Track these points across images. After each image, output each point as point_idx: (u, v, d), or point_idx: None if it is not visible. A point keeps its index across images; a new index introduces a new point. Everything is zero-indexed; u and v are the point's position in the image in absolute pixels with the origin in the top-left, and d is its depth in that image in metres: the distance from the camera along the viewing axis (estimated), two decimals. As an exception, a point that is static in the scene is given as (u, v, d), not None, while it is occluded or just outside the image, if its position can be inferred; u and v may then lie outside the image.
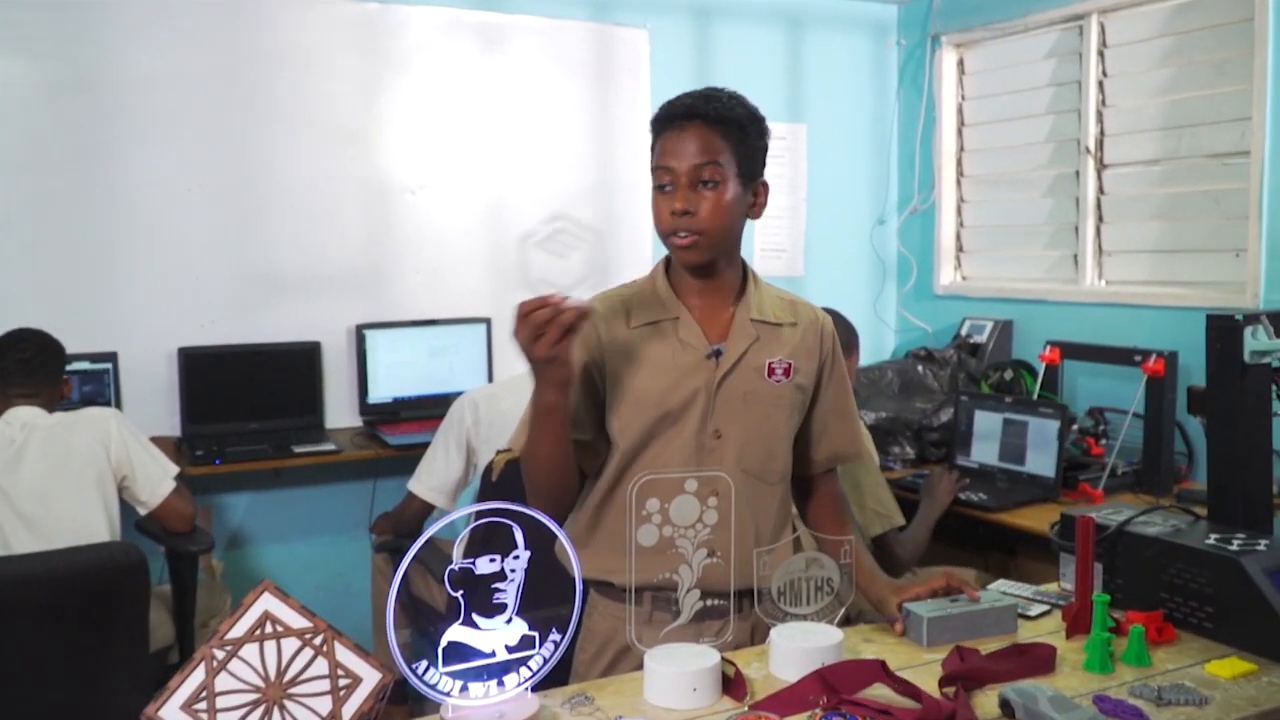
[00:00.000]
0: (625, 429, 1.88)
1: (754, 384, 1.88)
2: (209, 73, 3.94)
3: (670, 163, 1.82)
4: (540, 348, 1.67)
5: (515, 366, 4.06)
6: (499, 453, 2.96)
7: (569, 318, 1.66)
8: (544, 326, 1.65)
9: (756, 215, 1.93)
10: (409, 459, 3.62)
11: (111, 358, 3.79)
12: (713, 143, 1.82)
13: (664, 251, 1.92)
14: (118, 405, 3.77)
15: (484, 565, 1.52)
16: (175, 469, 3.12)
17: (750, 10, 4.86)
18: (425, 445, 3.49)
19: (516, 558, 1.53)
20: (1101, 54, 4.29)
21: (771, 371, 1.90)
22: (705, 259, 1.86)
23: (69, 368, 3.28)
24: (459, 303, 4.35)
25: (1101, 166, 4.31)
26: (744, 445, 1.88)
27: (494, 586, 1.52)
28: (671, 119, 1.84)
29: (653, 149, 1.88)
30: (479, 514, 1.57)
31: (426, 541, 1.44)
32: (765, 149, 1.90)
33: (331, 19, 4.12)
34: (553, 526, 1.54)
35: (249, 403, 3.98)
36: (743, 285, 1.95)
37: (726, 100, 1.85)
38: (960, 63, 4.96)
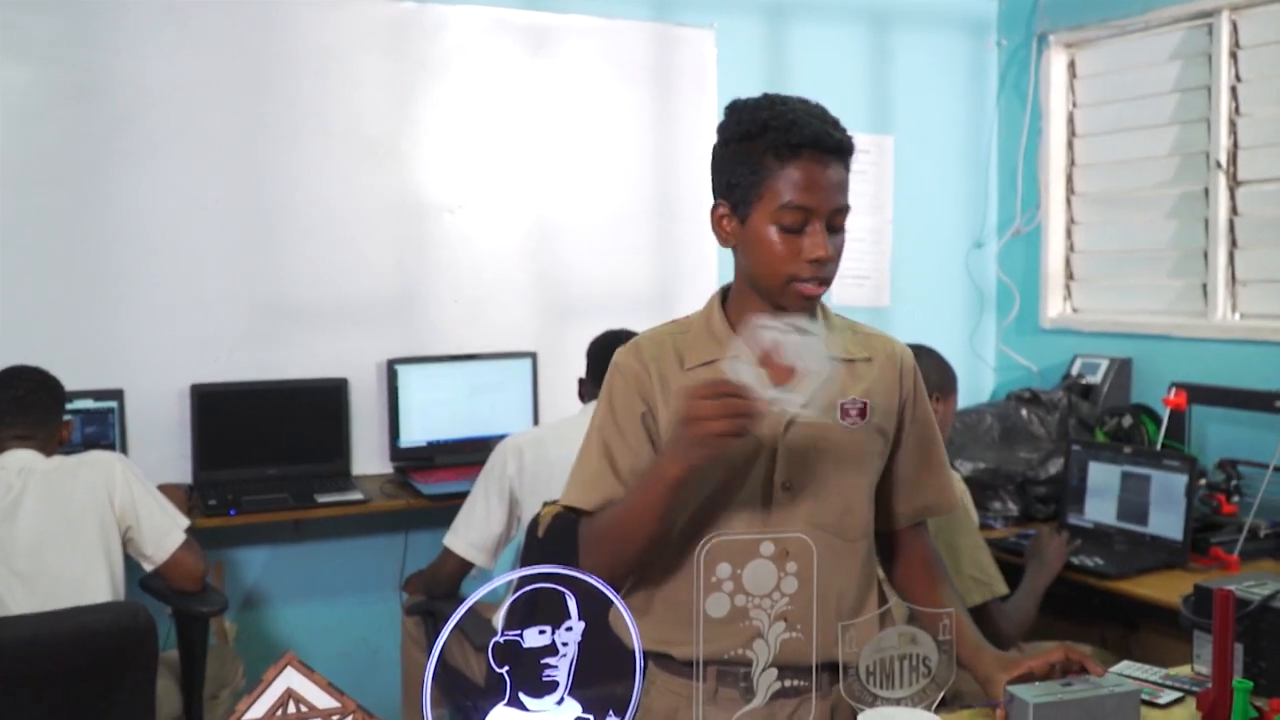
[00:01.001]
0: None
1: (825, 428, 1.87)
2: (225, 80, 4.00)
3: (809, 201, 1.79)
4: (715, 426, 1.67)
5: (563, 407, 4.09)
6: (546, 505, 2.95)
7: (754, 417, 1.68)
8: (734, 413, 1.67)
9: None
10: (445, 510, 3.62)
11: (117, 396, 3.84)
12: (846, 181, 1.83)
13: (725, 276, 1.91)
14: (123, 449, 3.82)
15: (532, 638, 1.50)
16: (185, 520, 3.14)
17: (829, 7, 4.86)
18: (463, 495, 3.49)
19: (569, 629, 1.51)
20: (1234, 55, 4.25)
21: (845, 413, 1.89)
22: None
23: (69, 407, 3.32)
24: (502, 335, 4.37)
25: (1234, 184, 4.26)
26: (817, 498, 1.87)
27: (543, 662, 1.51)
28: (813, 146, 1.79)
29: (759, 172, 1.82)
30: (525, 579, 1.56)
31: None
32: None
33: (361, 20, 4.17)
34: (610, 594, 1.52)
35: (268, 446, 4.01)
36: (810, 317, 1.95)
37: (842, 129, 1.84)
38: (1071, 65, 4.92)
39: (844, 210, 1.83)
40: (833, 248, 1.81)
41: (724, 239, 1.90)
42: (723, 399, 1.68)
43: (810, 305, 1.87)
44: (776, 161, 1.81)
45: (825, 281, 1.83)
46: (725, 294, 1.97)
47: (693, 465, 1.73)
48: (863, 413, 1.90)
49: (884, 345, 1.98)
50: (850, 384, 1.91)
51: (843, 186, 1.82)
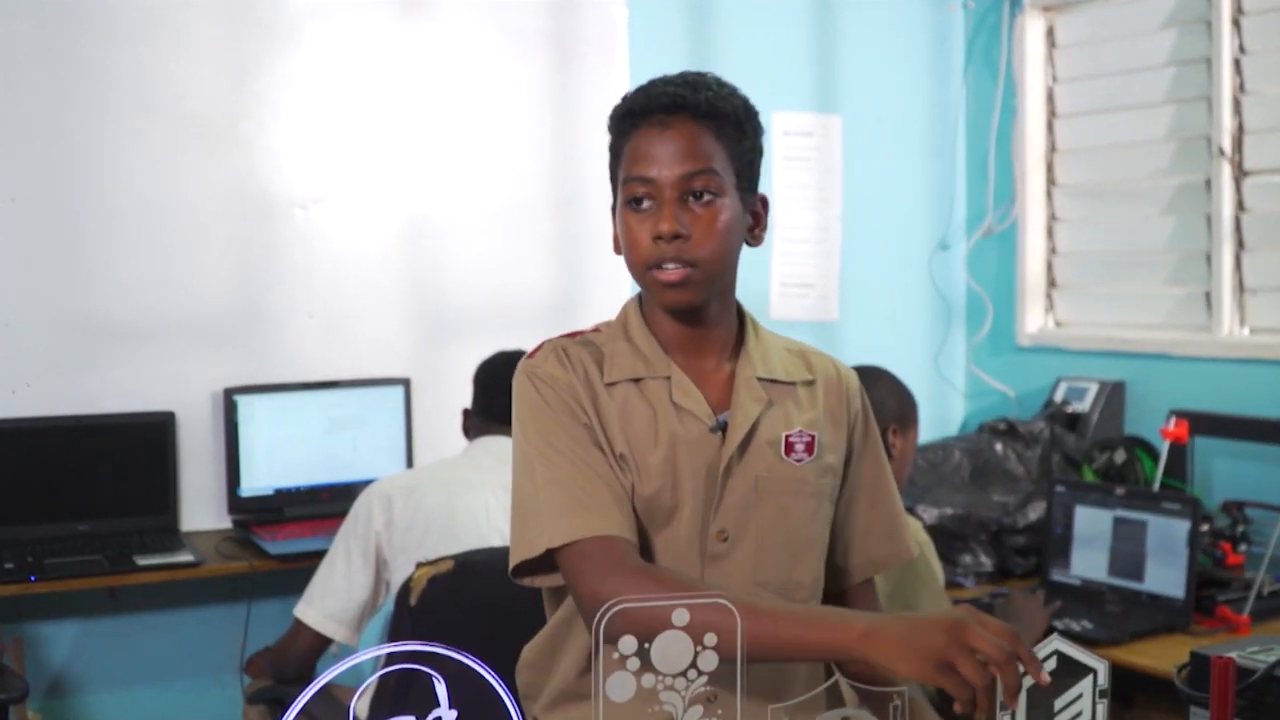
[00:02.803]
0: None
1: (769, 465, 1.90)
2: (20, 49, 3.95)
3: (649, 170, 1.84)
4: (973, 680, 1.56)
5: (443, 446, 4.07)
6: (420, 566, 2.94)
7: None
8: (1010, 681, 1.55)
9: (757, 242, 1.98)
10: (296, 574, 3.59)
11: (-114, 435, 3.78)
12: (705, 144, 1.85)
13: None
14: (-106, 501, 3.75)
15: (398, 730, 1.50)
16: (-27, 594, 3.10)
17: (764, -37, 4.92)
18: (318, 555, 3.46)
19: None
20: (1237, 23, 4.34)
21: (790, 448, 1.91)
22: (700, 299, 1.89)
23: None
24: (367, 358, 4.36)
25: (1240, 173, 4.36)
26: (760, 549, 1.89)
27: (411, 760, 1.51)
28: (647, 112, 1.85)
29: (616, 153, 1.91)
30: (391, 656, 1.56)
31: (320, 690, 1.43)
32: (762, 154, 1.95)
33: (193, -26, 4.15)
34: (492, 679, 1.52)
35: (77, 497, 3.95)
36: (740, 334, 1.98)
37: (719, 89, 1.88)
38: (1049, 32, 5.01)
39: (697, 175, 1.83)
40: (690, 223, 1.83)
41: (615, 247, 1.95)
42: (1013, 663, 1.55)
43: (679, 298, 1.86)
44: (620, 138, 1.89)
45: (685, 263, 1.84)
46: (642, 304, 2.00)
47: (891, 668, 1.64)
48: (810, 447, 1.92)
49: (825, 366, 2.02)
50: (792, 411, 1.93)
51: (698, 151, 1.83)
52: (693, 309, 1.90)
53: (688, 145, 1.83)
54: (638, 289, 2.00)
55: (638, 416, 1.89)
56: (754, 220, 1.95)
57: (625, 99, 1.89)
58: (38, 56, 3.96)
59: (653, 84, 1.88)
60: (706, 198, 1.84)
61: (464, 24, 4.48)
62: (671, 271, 1.84)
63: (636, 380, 1.91)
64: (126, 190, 4.08)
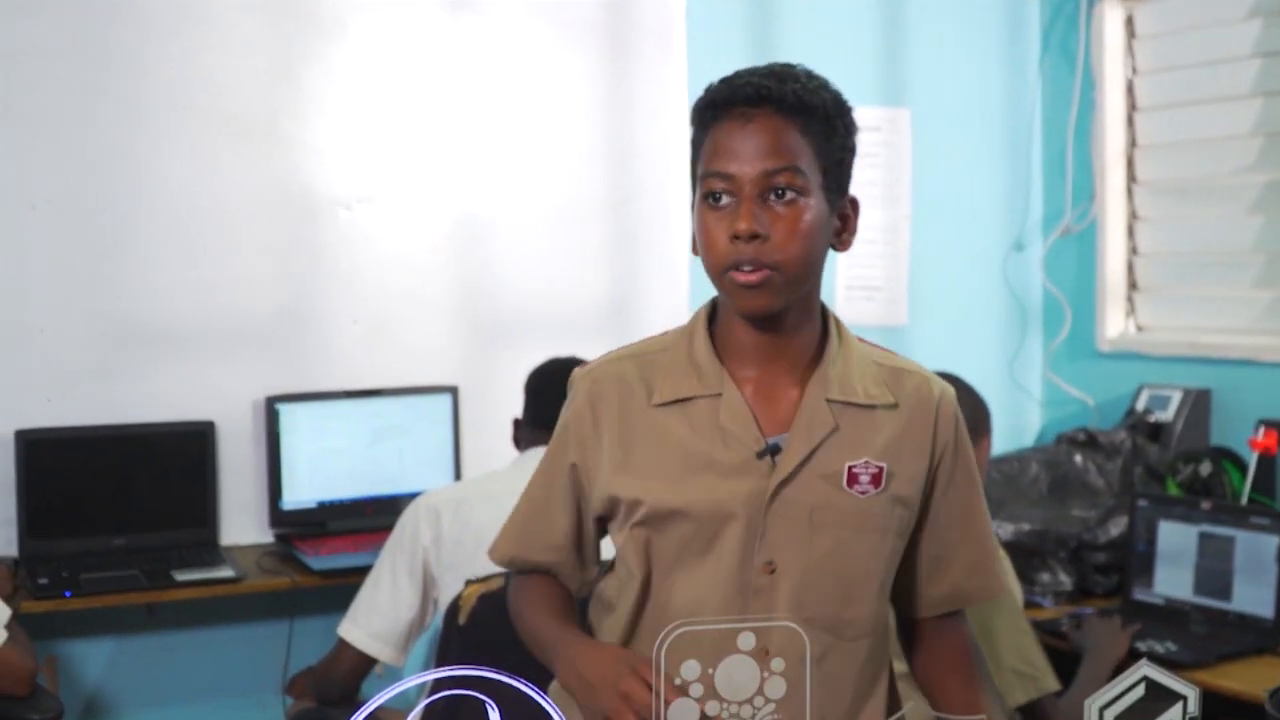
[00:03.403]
0: (636, 553, 1.90)
1: (826, 496, 1.88)
2: (51, 43, 3.97)
3: (729, 166, 1.82)
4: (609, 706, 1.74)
5: (493, 457, 4.07)
6: (469, 584, 2.94)
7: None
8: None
9: (844, 247, 1.96)
10: (340, 591, 3.61)
11: (-82, 446, 3.81)
12: (791, 140, 1.83)
13: (698, 288, 1.93)
14: (-74, 514, 3.78)
15: (447, 758, 1.50)
16: (5, 614, 3.11)
17: (828, -49, 4.91)
18: (363, 572, 3.47)
19: (492, 744, 1.51)
20: (1331, 9, 4.31)
21: (854, 479, 1.89)
22: (779, 304, 1.87)
23: None
24: (414, 365, 4.37)
25: (1334, 169, 4.32)
26: (805, 585, 1.88)
27: (461, 789, 1.51)
28: (730, 104, 1.84)
29: (697, 147, 1.89)
30: (440, 680, 1.56)
31: (368, 715, 1.43)
32: (854, 154, 1.92)
33: (234, -35, 4.17)
34: (548, 706, 1.52)
35: (114, 510, 3.97)
36: (821, 346, 1.95)
37: (807, 81, 1.85)
38: (1129, 21, 4.97)
39: (780, 172, 1.82)
40: (770, 223, 1.82)
41: (694, 248, 1.94)
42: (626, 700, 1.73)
43: (757, 302, 1.86)
44: (703, 133, 1.87)
45: (764, 265, 1.82)
46: (714, 311, 1.99)
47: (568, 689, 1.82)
48: (877, 479, 1.90)
49: (917, 386, 1.98)
50: (865, 437, 1.91)
51: (782, 147, 1.82)
52: (770, 315, 1.88)
53: (771, 140, 1.81)
54: (704, 294, 1.99)
55: (678, 440, 1.90)
56: (841, 224, 1.93)
57: (708, 90, 1.88)
58: (70, 52, 3.98)
59: (737, 74, 1.86)
60: (789, 196, 1.82)
61: (515, 16, 4.48)
62: (749, 273, 1.82)
63: (687, 400, 1.91)
64: (163, 191, 4.10)
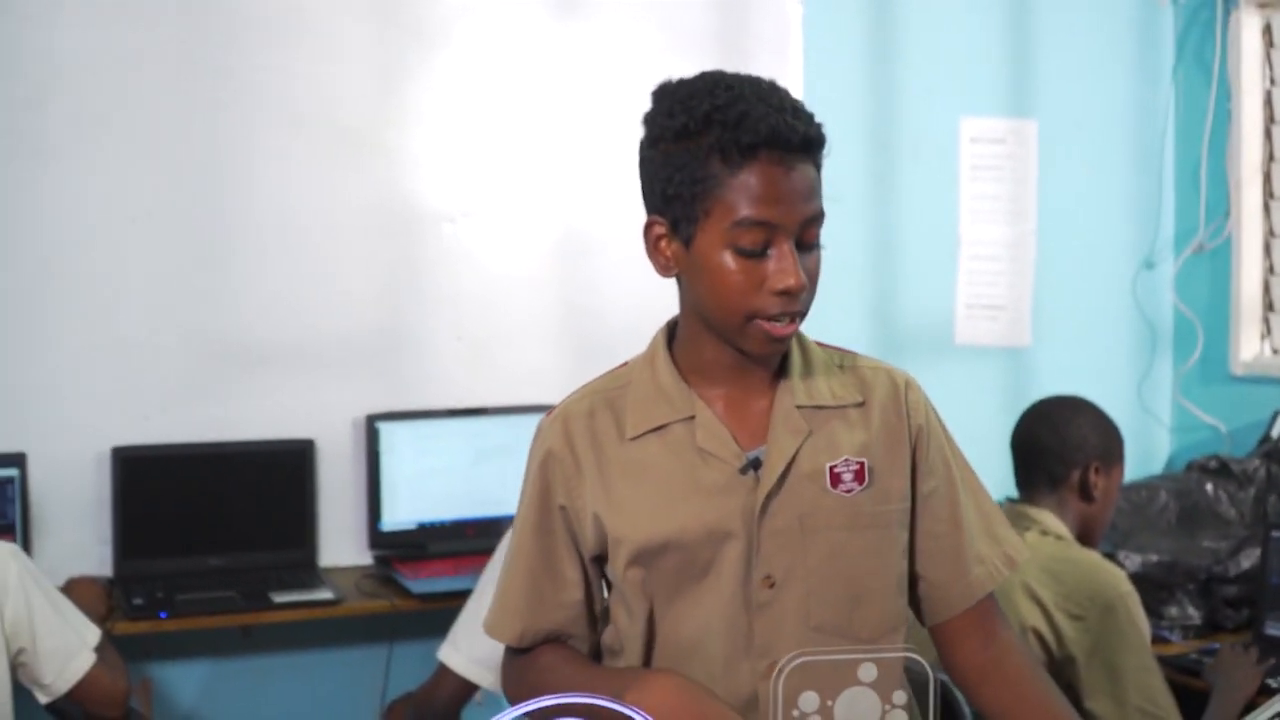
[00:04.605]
0: (633, 590, 1.91)
1: (813, 501, 1.89)
2: (159, 53, 4.03)
3: (776, 215, 1.80)
4: None
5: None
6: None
7: None
8: None
9: None
10: (441, 615, 3.61)
11: (17, 461, 3.86)
12: (817, 182, 1.85)
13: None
14: (23, 532, 3.84)
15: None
16: (96, 635, 3.13)
17: (949, -43, 4.89)
18: (464, 595, 3.48)
19: (599, 775, 1.51)
20: None
21: (837, 479, 1.90)
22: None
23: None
24: (517, 384, 4.38)
25: None
26: (808, 593, 1.88)
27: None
28: (772, 144, 1.80)
29: (707, 182, 1.84)
30: (542, 710, 1.56)
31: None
32: None
33: (337, -26, 4.22)
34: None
35: (210, 529, 4.02)
36: (783, 356, 1.97)
37: (806, 113, 1.85)
38: (1267, 30, 4.92)
39: (817, 220, 1.83)
40: (805, 271, 1.82)
41: (663, 267, 1.93)
42: None
43: (779, 350, 1.89)
44: (726, 167, 1.81)
45: (799, 315, 1.84)
46: (672, 332, 2.01)
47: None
48: (860, 475, 1.91)
49: (879, 380, 1.99)
50: (840, 437, 1.92)
51: (813, 191, 1.82)
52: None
53: (809, 187, 1.82)
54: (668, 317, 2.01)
55: (658, 470, 1.90)
56: None
57: (725, 119, 1.81)
58: (174, 63, 4.05)
59: (759, 104, 1.81)
60: (815, 243, 1.85)
61: (624, 23, 4.50)
62: (786, 326, 1.84)
63: (661, 427, 1.92)
64: (264, 204, 4.15)
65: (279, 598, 3.83)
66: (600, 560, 1.98)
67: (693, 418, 1.91)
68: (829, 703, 1.70)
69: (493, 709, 1.54)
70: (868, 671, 1.71)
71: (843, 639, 1.88)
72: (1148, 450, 5.14)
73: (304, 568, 4.08)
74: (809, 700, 1.69)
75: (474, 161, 4.36)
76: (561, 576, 1.99)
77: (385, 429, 4.18)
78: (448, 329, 4.34)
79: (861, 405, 1.95)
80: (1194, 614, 3.94)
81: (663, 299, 4.52)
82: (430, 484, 4.23)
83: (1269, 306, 4.96)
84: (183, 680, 4.15)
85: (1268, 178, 4.94)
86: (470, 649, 3.39)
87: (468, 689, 3.42)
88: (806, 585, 1.88)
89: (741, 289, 1.82)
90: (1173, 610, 3.94)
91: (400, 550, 4.18)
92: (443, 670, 3.42)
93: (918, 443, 1.97)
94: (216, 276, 4.11)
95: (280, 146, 4.15)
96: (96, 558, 3.94)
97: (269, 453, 4.11)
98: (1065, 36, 5.03)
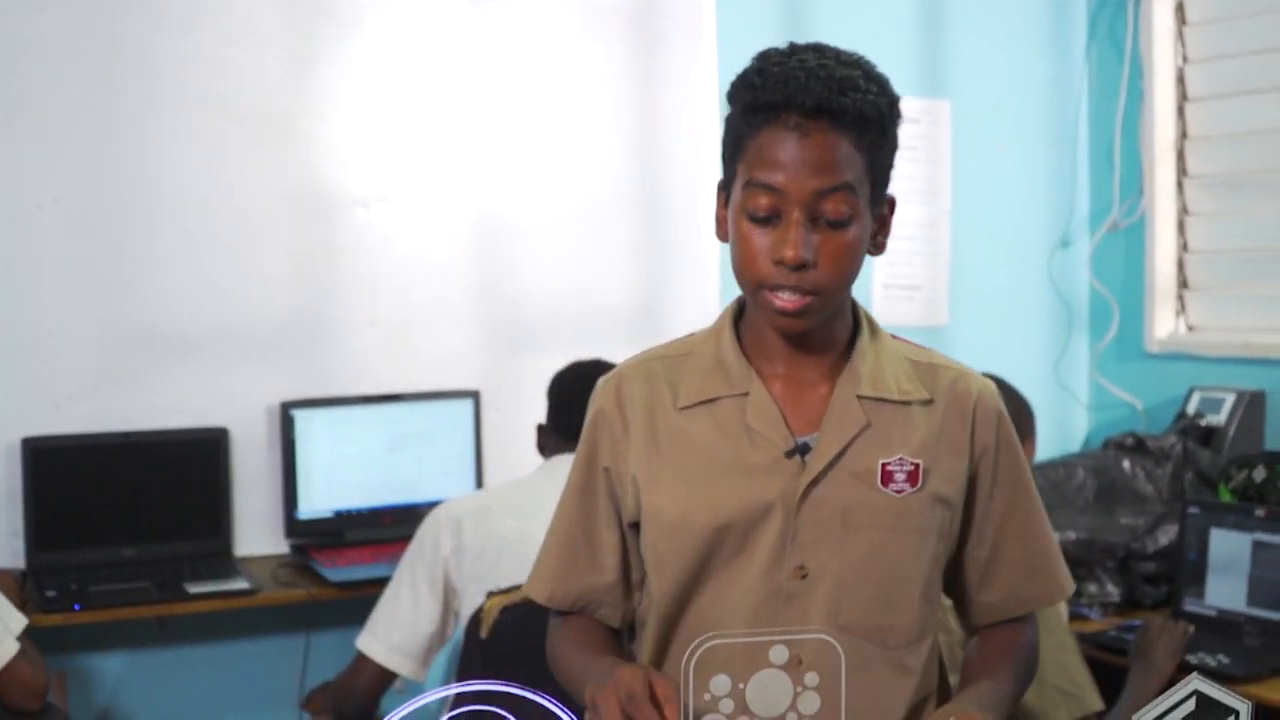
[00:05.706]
0: (662, 563, 1.90)
1: (859, 496, 1.87)
2: (67, 37, 3.99)
3: (779, 180, 1.78)
4: None
5: (516, 465, 4.07)
6: (491, 596, 2.95)
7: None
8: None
9: (879, 250, 1.93)
10: (358, 604, 3.62)
11: (-77, 454, 3.84)
12: (845, 157, 1.78)
13: (730, 288, 1.92)
14: (-69, 524, 3.80)
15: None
16: (21, 621, 3.13)
17: (864, -66, 4.91)
18: (382, 583, 3.49)
19: (514, 763, 1.53)
20: (1391, -6, 4.29)
21: (889, 477, 1.87)
22: (813, 325, 1.86)
23: None
24: (434, 369, 4.38)
25: (1395, 161, 4.30)
26: (841, 590, 1.87)
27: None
28: (786, 108, 1.77)
29: (738, 143, 1.84)
30: (462, 696, 1.57)
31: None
32: (897, 148, 1.89)
33: (247, -46, 4.19)
34: (568, 718, 1.53)
35: (123, 519, 3.99)
36: (851, 340, 1.94)
37: (865, 86, 1.79)
38: (1179, 9, 4.96)
39: (832, 194, 1.77)
40: (816, 249, 1.78)
41: (718, 230, 1.92)
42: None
43: (793, 325, 1.84)
44: (748, 128, 1.81)
45: (806, 292, 1.79)
46: (741, 309, 1.98)
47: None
48: (913, 477, 1.88)
49: (952, 380, 1.95)
50: (899, 434, 1.89)
51: (836, 165, 1.77)
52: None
53: (826, 157, 1.76)
54: (734, 294, 1.98)
55: (703, 444, 1.89)
56: (878, 226, 1.89)
57: (757, 81, 1.80)
58: (81, 45, 4.00)
59: (790, 71, 1.78)
60: (839, 219, 1.78)
61: (538, 6, 4.49)
62: (789, 299, 1.80)
63: (712, 400, 1.90)
64: (176, 190, 4.11)
65: (194, 588, 3.81)
66: (638, 527, 1.95)
67: (747, 394, 1.88)
68: (740, 685, 1.70)
69: (412, 696, 1.55)
70: (778, 654, 1.71)
71: (869, 642, 1.87)
72: (1065, 428, 5.19)
73: (219, 557, 4.05)
74: (720, 684, 1.69)
75: (389, 146, 4.34)
76: (597, 540, 1.98)
77: (300, 416, 4.17)
78: (363, 315, 4.32)
79: (929, 404, 1.91)
80: (1113, 591, 3.97)
81: (577, 281, 4.57)
82: (347, 471, 4.22)
83: (1183, 284, 5.01)
84: (98, 673, 4.12)
85: (1181, 155, 4.98)
86: (388, 637, 3.40)
87: (386, 677, 3.43)
88: (841, 582, 1.85)
89: (748, 255, 1.81)
90: (1091, 587, 3.97)
91: (317, 539, 4.17)
92: (361, 659, 3.43)
93: (982, 457, 1.94)
94: (126, 263, 4.07)
95: (192, 131, 4.11)
96: (8, 550, 3.90)
97: (182, 442, 4.07)
98: (978, 16, 5.06)
